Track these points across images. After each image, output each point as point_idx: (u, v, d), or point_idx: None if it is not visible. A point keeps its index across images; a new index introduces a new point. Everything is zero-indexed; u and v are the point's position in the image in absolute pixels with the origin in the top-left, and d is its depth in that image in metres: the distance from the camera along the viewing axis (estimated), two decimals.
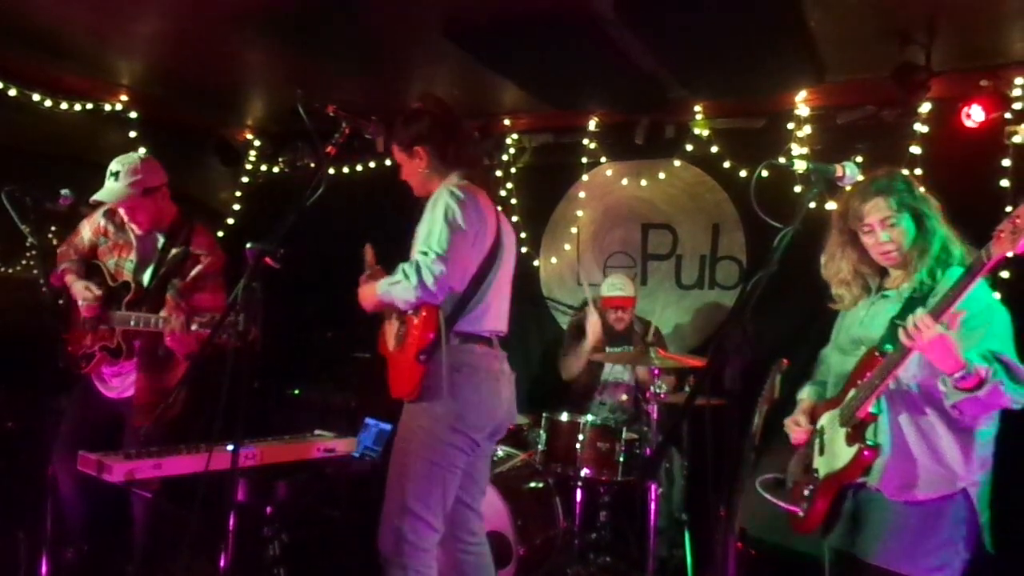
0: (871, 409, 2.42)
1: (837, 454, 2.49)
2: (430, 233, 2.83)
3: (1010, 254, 2.05)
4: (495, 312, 3.04)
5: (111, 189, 3.59)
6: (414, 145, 3.06)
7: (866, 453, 2.40)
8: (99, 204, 3.64)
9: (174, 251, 3.69)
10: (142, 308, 3.58)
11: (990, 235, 2.10)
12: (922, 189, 2.57)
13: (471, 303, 2.95)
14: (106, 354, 3.64)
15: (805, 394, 2.83)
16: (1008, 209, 2.12)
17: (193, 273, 3.64)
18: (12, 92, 5.06)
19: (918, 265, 2.48)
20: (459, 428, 2.89)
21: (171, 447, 3.18)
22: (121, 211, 3.69)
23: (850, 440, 2.45)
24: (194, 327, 3.33)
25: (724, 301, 5.40)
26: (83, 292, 3.63)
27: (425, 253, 2.78)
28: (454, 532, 3.03)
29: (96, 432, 3.60)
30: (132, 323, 3.55)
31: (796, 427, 2.72)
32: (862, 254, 2.63)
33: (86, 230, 3.84)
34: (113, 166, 3.61)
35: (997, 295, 2.67)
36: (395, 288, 2.83)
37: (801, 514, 2.59)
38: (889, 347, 2.40)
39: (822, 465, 2.57)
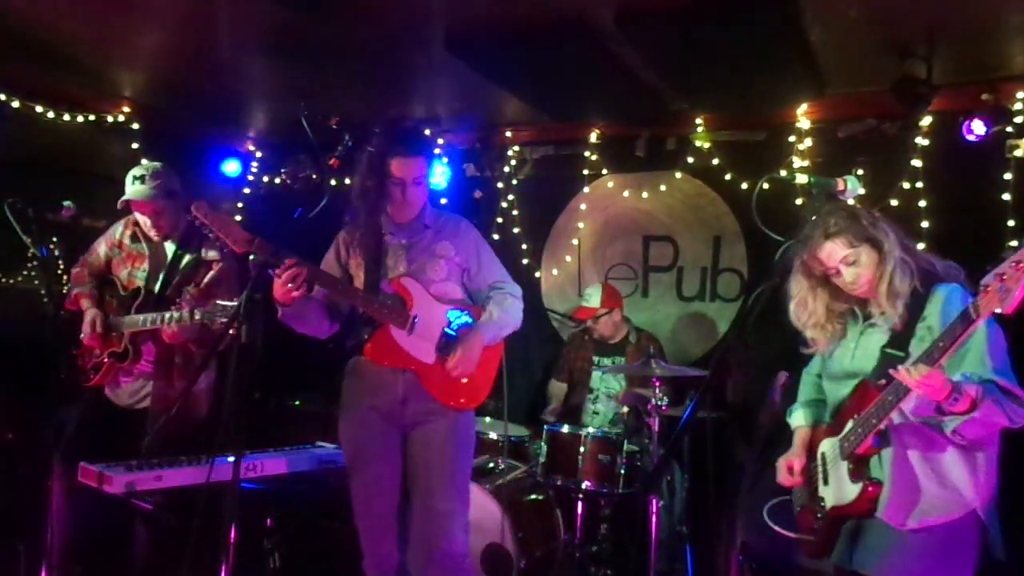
0: (871, 443, 2.43)
1: (843, 488, 2.49)
2: (496, 264, 3.29)
3: (998, 310, 2.04)
4: None
5: (139, 190, 3.65)
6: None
7: (870, 489, 2.42)
8: (127, 205, 3.68)
9: (186, 259, 3.73)
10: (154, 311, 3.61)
11: (980, 285, 2.06)
12: (871, 215, 2.54)
13: None
14: (114, 360, 3.67)
15: (800, 420, 2.80)
16: (1013, 244, 2.09)
17: (206, 280, 3.69)
18: (15, 104, 5.08)
19: (890, 292, 2.47)
20: None
21: (172, 458, 3.18)
22: (141, 220, 3.74)
23: (853, 476, 2.46)
24: (198, 316, 3.37)
25: (725, 313, 5.39)
26: (87, 327, 3.69)
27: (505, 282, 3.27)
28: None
29: (103, 443, 3.58)
30: (141, 323, 3.60)
31: (788, 475, 2.71)
32: (834, 292, 2.63)
33: (101, 246, 3.89)
34: (136, 171, 3.69)
35: None
36: (507, 317, 3.17)
37: (812, 541, 2.60)
38: (883, 381, 2.41)
39: (828, 495, 2.56)
